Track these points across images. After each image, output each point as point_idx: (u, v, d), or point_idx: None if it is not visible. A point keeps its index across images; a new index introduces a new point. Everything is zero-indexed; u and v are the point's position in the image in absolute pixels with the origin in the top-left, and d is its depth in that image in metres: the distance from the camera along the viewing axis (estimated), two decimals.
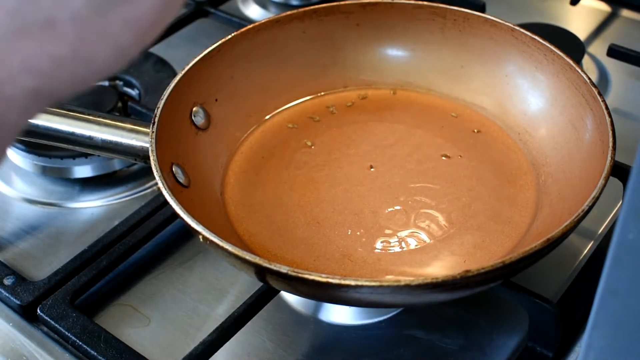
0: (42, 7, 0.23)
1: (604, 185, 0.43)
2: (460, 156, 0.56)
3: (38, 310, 0.50)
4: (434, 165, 0.55)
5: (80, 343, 0.47)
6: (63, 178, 0.62)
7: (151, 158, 0.46)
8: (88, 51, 0.25)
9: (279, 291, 0.49)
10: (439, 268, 0.47)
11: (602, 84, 0.71)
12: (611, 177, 0.45)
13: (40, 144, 0.53)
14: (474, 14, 0.58)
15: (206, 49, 0.55)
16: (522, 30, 0.56)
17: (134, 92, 0.67)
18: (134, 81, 0.67)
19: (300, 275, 0.38)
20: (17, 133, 0.25)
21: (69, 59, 0.24)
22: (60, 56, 0.24)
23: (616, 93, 0.70)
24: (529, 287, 0.46)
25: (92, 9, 0.24)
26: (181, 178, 0.49)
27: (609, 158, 0.45)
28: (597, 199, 0.43)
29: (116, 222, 0.56)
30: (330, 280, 0.38)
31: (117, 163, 0.61)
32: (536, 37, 0.55)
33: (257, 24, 0.58)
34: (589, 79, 0.51)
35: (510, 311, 0.49)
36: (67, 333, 0.48)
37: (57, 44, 0.24)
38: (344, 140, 0.58)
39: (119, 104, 0.65)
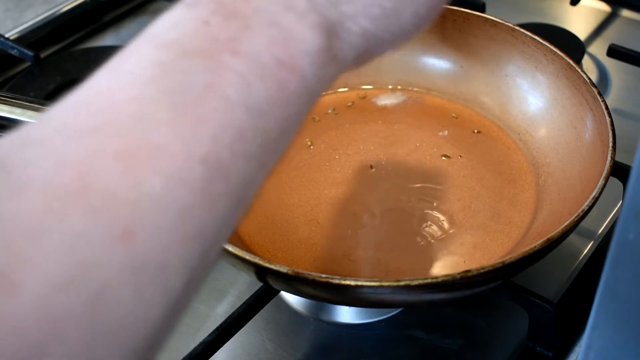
0: None
1: (604, 185, 0.43)
2: (460, 156, 0.56)
3: None
4: (434, 165, 0.55)
5: None
6: None
7: None
8: (400, 11, 0.31)
9: (279, 291, 0.49)
10: (439, 268, 0.47)
11: (602, 84, 0.71)
12: (611, 177, 0.45)
13: None
14: (474, 14, 0.58)
15: None
16: (522, 30, 0.56)
17: None
18: None
19: (300, 275, 0.38)
20: (345, 68, 0.31)
21: (389, 12, 0.31)
22: (386, 8, 0.31)
23: (616, 93, 0.70)
24: (529, 287, 0.46)
25: None
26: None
27: (609, 158, 0.45)
28: (597, 199, 0.43)
29: None
30: (330, 280, 0.38)
31: None
32: (536, 37, 0.55)
33: None
34: (589, 79, 0.51)
35: (510, 311, 0.49)
36: None
37: None
38: (344, 140, 0.58)
39: None
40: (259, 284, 0.48)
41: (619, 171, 0.53)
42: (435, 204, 0.52)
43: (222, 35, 0.26)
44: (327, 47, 0.28)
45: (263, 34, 0.26)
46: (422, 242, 0.49)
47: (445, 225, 0.50)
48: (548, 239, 0.40)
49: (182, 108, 0.23)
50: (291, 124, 0.27)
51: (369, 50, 0.32)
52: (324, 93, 0.52)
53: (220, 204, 0.24)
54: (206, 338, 0.45)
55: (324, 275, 0.38)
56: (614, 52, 0.70)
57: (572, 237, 0.53)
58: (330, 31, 0.29)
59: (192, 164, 0.23)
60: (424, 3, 0.32)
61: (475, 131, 0.58)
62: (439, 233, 0.50)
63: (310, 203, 0.52)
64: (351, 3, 0.30)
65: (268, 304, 0.48)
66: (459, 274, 0.38)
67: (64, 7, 0.80)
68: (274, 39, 0.26)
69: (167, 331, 0.23)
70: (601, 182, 0.43)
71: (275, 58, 0.26)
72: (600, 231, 0.56)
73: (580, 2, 0.80)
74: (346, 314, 0.50)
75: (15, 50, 0.71)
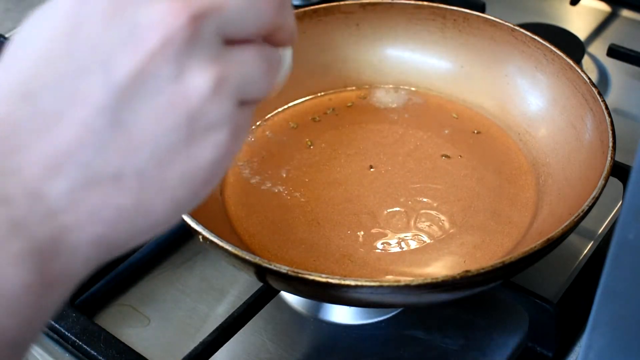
0: (111, 162, 0.25)
1: (604, 185, 0.43)
2: (460, 156, 0.56)
3: None
4: (434, 165, 0.55)
5: (80, 343, 0.47)
6: None
7: None
8: (148, 204, 0.26)
9: (279, 291, 0.49)
10: (439, 268, 0.47)
11: (602, 84, 0.71)
12: (611, 177, 0.45)
13: None
14: (474, 14, 0.58)
15: None
16: (522, 30, 0.56)
17: None
18: None
19: (300, 275, 0.38)
20: (76, 283, 0.26)
21: (131, 210, 0.25)
22: (124, 208, 0.25)
23: (616, 93, 0.70)
24: (529, 287, 0.46)
25: (154, 165, 0.25)
26: None
27: (609, 158, 0.45)
28: (597, 199, 0.43)
29: None
30: (330, 280, 0.38)
31: None
32: (536, 37, 0.55)
33: None
34: (589, 79, 0.51)
35: (510, 311, 0.49)
36: (67, 333, 0.48)
37: (121, 196, 0.25)
38: (344, 140, 0.58)
39: None
40: (259, 284, 0.48)
41: (619, 171, 0.53)
42: (435, 204, 0.52)
43: None
44: (40, 278, 0.23)
45: None
46: (422, 242, 0.49)
47: (445, 225, 0.50)
48: (548, 239, 0.40)
49: None
50: None
51: (111, 253, 0.26)
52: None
53: None
54: (206, 338, 0.45)
55: (324, 275, 0.38)
56: (614, 52, 0.70)
57: (572, 237, 0.53)
58: (45, 254, 0.24)
59: None
60: (181, 186, 0.26)
61: (475, 131, 0.58)
62: (439, 233, 0.50)
63: (310, 203, 0.52)
64: (72, 210, 0.24)
65: (268, 304, 0.48)
66: (459, 274, 0.38)
67: None
68: None
69: None
70: (601, 182, 0.43)
71: None
72: (600, 231, 0.56)
73: (580, 2, 0.80)
74: (346, 314, 0.50)
75: None
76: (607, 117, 0.48)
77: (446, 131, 0.58)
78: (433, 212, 0.51)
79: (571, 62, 0.53)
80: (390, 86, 0.62)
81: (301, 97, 0.61)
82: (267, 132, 0.58)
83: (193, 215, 0.42)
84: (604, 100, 0.49)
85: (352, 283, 0.38)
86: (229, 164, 0.28)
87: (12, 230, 0.23)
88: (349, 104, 0.61)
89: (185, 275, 0.54)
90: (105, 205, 0.25)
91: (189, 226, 0.42)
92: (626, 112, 0.68)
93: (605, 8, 0.81)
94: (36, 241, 0.23)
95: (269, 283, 0.42)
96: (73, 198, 0.24)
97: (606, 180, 0.44)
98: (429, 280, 0.38)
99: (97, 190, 0.24)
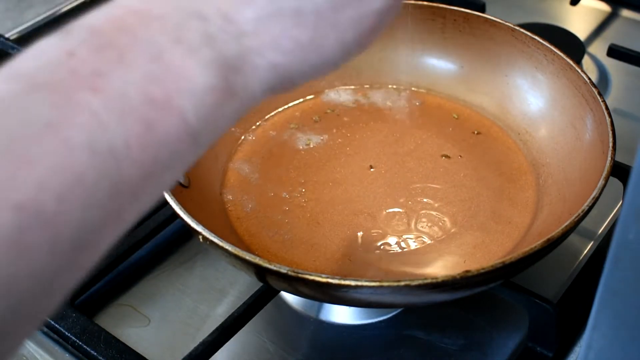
0: None
1: (604, 185, 0.43)
2: (461, 156, 0.56)
3: None
4: (434, 165, 0.55)
5: (80, 343, 0.47)
6: None
7: None
8: (320, 41, 0.29)
9: (279, 291, 0.49)
10: (439, 268, 0.47)
11: (602, 84, 0.71)
12: (611, 177, 0.45)
13: None
14: (474, 14, 0.58)
15: None
16: (522, 30, 0.56)
17: None
18: None
19: (300, 275, 0.38)
20: (251, 105, 0.29)
21: (306, 44, 0.29)
22: (299, 41, 0.28)
23: (616, 93, 0.70)
24: (529, 287, 0.46)
25: (329, 7, 0.29)
26: (181, 178, 0.49)
27: (609, 158, 0.45)
28: (597, 199, 0.43)
29: None
30: (330, 280, 0.38)
31: None
32: (536, 37, 0.55)
33: None
34: (589, 79, 0.51)
35: (510, 311, 0.49)
36: (67, 333, 0.48)
37: (299, 29, 0.28)
38: (344, 140, 0.58)
39: None
40: (259, 284, 0.48)
41: (619, 171, 0.53)
42: (435, 204, 0.52)
43: (85, 69, 0.24)
44: (223, 85, 0.27)
45: (138, 69, 0.24)
46: (422, 243, 0.49)
47: (446, 225, 0.50)
48: (548, 239, 0.40)
49: (10, 148, 0.21)
50: (164, 167, 0.25)
51: (285, 83, 0.29)
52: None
53: (38, 253, 0.22)
54: (206, 338, 0.45)
55: (324, 275, 0.38)
56: (614, 52, 0.70)
57: (572, 237, 0.53)
58: (230, 67, 0.27)
59: (2, 210, 0.21)
60: (350, 29, 0.30)
61: (475, 131, 0.58)
62: (440, 233, 0.50)
63: (310, 203, 0.52)
64: (257, 36, 0.28)
65: (268, 304, 0.48)
66: (459, 274, 0.38)
67: (64, 7, 0.80)
68: (150, 75, 0.24)
69: None
70: (601, 182, 0.43)
71: (146, 96, 0.24)
72: (600, 231, 0.56)
73: (580, 2, 0.80)
74: (346, 314, 0.50)
75: (15, 50, 0.71)
76: (607, 117, 0.48)
77: (446, 131, 0.58)
78: (433, 213, 0.51)
79: (571, 62, 0.53)
80: (390, 86, 0.62)
81: (301, 97, 0.61)
82: (267, 132, 0.58)
83: (193, 216, 0.42)
84: (604, 100, 0.49)
85: (352, 283, 0.38)
86: (392, 17, 0.32)
87: (206, 41, 0.26)
88: (349, 104, 0.61)
89: (185, 275, 0.54)
90: (284, 36, 0.28)
91: (189, 226, 0.42)
92: (626, 112, 0.68)
93: (605, 8, 0.81)
94: (223, 55, 0.27)
95: (269, 283, 0.42)
96: (259, 25, 0.28)
97: (606, 180, 0.44)
98: (429, 280, 0.38)
99: (279, 21, 0.28)
